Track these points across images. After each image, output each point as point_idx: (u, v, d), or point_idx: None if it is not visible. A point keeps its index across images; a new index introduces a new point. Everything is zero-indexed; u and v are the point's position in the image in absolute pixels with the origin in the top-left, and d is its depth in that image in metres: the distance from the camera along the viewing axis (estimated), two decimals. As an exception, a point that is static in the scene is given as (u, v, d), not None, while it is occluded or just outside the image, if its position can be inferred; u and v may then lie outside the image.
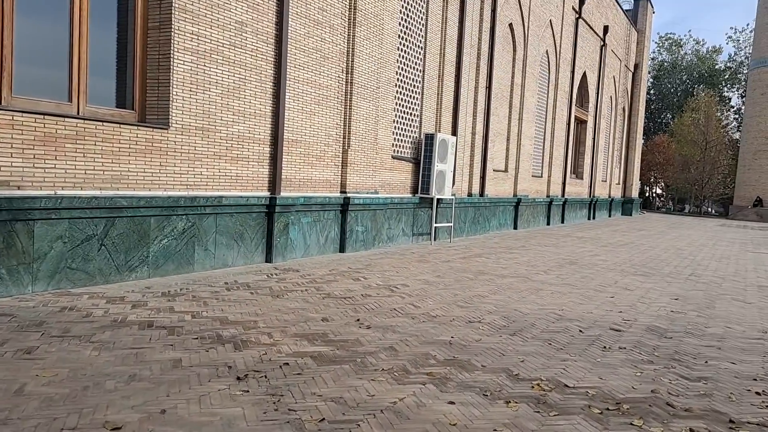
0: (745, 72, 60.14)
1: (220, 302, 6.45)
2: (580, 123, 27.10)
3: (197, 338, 5.07)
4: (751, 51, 49.17)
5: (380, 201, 11.77)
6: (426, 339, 5.53)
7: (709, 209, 54.78)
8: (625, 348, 5.62)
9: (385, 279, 8.56)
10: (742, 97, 60.70)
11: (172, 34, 7.54)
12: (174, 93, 7.61)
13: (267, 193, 9.28)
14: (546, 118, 21.91)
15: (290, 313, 6.22)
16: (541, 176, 21.95)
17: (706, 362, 5.31)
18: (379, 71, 11.61)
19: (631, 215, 35.91)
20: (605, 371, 4.87)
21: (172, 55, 7.54)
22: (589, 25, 25.71)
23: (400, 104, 12.94)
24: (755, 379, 4.88)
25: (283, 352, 4.86)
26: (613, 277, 10.10)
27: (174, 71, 7.59)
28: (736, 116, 61.39)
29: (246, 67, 8.67)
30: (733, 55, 64.35)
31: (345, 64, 10.85)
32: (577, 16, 23.99)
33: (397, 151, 13.01)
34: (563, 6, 22.21)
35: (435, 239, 14.05)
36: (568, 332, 6.11)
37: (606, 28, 28.29)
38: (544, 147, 21.98)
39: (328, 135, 10.58)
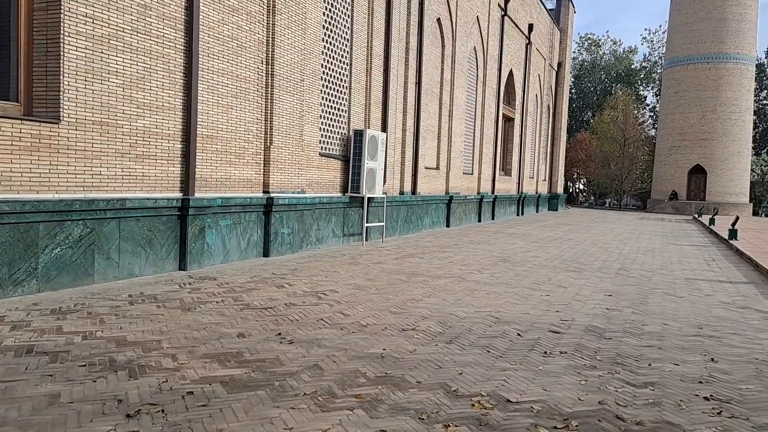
0: (659, 71, 63.11)
1: (120, 319, 5.66)
2: (508, 120, 27.34)
3: (85, 365, 4.32)
4: (664, 51, 51.57)
5: (307, 201, 11.14)
6: (355, 353, 4.98)
7: (628, 203, 57.12)
8: (566, 352, 5.28)
9: (312, 285, 7.95)
10: (657, 95, 63.71)
11: (62, 15, 6.64)
12: (65, 83, 6.72)
13: (179, 195, 8.47)
14: (475, 116, 21.86)
15: (201, 328, 5.52)
16: (472, 173, 21.88)
17: (650, 365, 5.03)
18: (302, 63, 10.97)
19: (557, 210, 36.74)
20: (549, 381, 4.48)
21: (62, 40, 6.64)
22: (514, 23, 25.93)
23: (327, 99, 12.34)
24: (701, 382, 4.62)
25: (188, 378, 4.18)
26: (547, 274, 9.91)
27: (65, 58, 6.69)
28: (652, 114, 64.38)
29: (151, 55, 7.84)
30: (647, 55, 67.48)
31: (265, 54, 10.14)
32: (503, 13, 24.11)
33: (325, 148, 12.40)
34: (489, 3, 22.22)
35: (367, 239, 13.55)
36: (507, 337, 5.72)
37: (531, 27, 28.67)
38: (474, 144, 21.92)
39: (248, 130, 9.85)
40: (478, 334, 5.79)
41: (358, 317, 6.25)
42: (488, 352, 5.19)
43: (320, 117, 12.11)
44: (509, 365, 4.83)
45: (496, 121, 24.27)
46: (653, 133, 57.22)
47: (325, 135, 12.40)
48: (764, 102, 59.02)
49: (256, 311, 6.31)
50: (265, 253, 10.28)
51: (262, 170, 10.24)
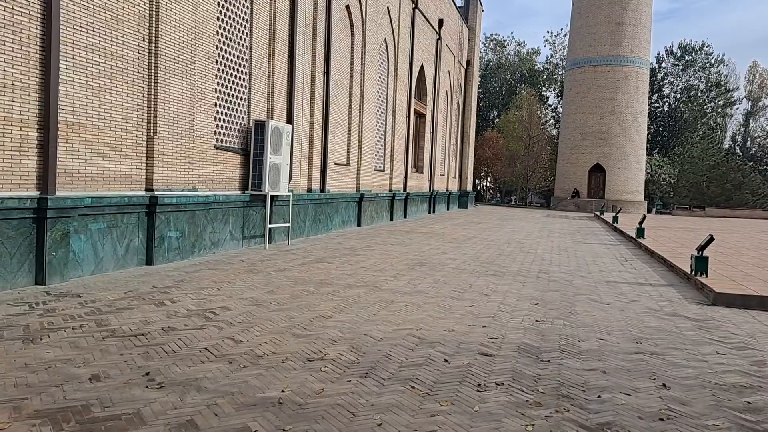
0: (560, 73, 65.44)
1: (-77, 363, 4.23)
2: (420, 116, 26.81)
3: None
4: (566, 53, 53.38)
5: (200, 199, 9.79)
6: (245, 398, 3.88)
7: (533, 201, 58.83)
8: (502, 383, 4.43)
9: (200, 301, 6.71)
10: (558, 96, 66.07)
11: None
12: None
13: (35, 193, 6.95)
14: (387, 110, 21.06)
15: (43, 369, 4.22)
16: (384, 170, 21.08)
17: (599, 396, 4.28)
18: (193, 43, 9.60)
19: (467, 208, 36.84)
20: (488, 427, 3.60)
21: None
22: (425, 17, 25.38)
23: (223, 85, 11.00)
24: (662, 419, 3.90)
25: (-6, 460, 2.93)
26: (467, 280, 9.17)
27: None
28: (554, 114, 66.73)
29: (-9, 18, 6.29)
30: (550, 57, 69.82)
31: (148, 30, 8.71)
32: (414, 6, 23.47)
33: (222, 140, 11.06)
34: (401, -6, 21.48)
35: (270, 242, 12.32)
36: (433, 364, 4.82)
37: (441, 22, 28.29)
38: (385, 140, 21.12)
39: (127, 118, 8.39)
40: (399, 361, 4.85)
41: (252, 344, 5.13)
42: (412, 388, 4.24)
43: (216, 105, 10.75)
44: (440, 407, 3.90)
45: (408, 117, 23.62)
46: (555, 133, 59.22)
47: (222, 126, 11.06)
48: (655, 105, 62.67)
49: (123, 340, 5.03)
50: (149, 261, 8.86)
51: (144, 164, 8.80)
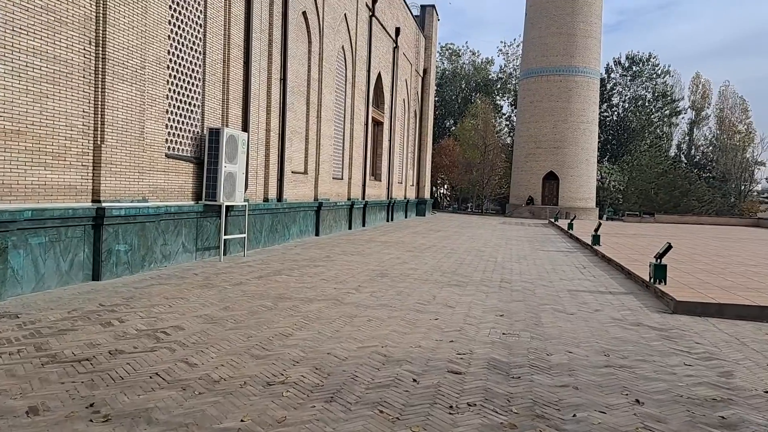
0: (513, 82, 66.56)
1: None
2: (377, 124, 26.69)
3: None
4: (519, 63, 54.33)
5: (150, 211, 9.33)
6: (202, 431, 3.57)
7: (488, 208, 59.46)
8: (475, 404, 4.24)
9: (150, 319, 6.31)
10: (512, 105, 67.18)
11: None
12: None
13: (-33, 206, 6.43)
14: (345, 118, 20.83)
15: (-29, 405, 3.80)
16: (342, 178, 20.82)
17: (575, 415, 4.14)
18: (143, 47, 9.16)
19: (424, 216, 36.90)
20: (464, 455, 3.39)
21: None
22: (382, 25, 25.32)
23: (175, 91, 10.57)
24: (640, 438, 3.79)
25: None
26: (430, 291, 9.00)
27: None
28: (508, 122, 67.76)
29: None
30: (503, 66, 71.05)
31: (94, 33, 8.25)
32: (371, 14, 23.37)
33: (174, 148, 10.62)
34: (357, 1, 21.34)
35: (225, 254, 11.90)
36: (401, 384, 4.59)
37: (398, 30, 28.30)
38: (343, 148, 20.87)
39: (72, 125, 7.91)
40: (366, 382, 4.60)
41: (208, 367, 4.80)
42: (381, 412, 4.01)
43: (167, 112, 10.31)
44: (410, 433, 3.68)
45: (366, 125, 23.45)
46: (510, 141, 60.10)
47: (174, 133, 10.62)
48: (605, 114, 64.36)
49: (65, 366, 4.63)
50: (96, 276, 8.37)
51: (90, 174, 8.32)
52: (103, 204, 8.32)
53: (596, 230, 17.55)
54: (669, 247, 9.45)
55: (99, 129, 8.32)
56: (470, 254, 14.96)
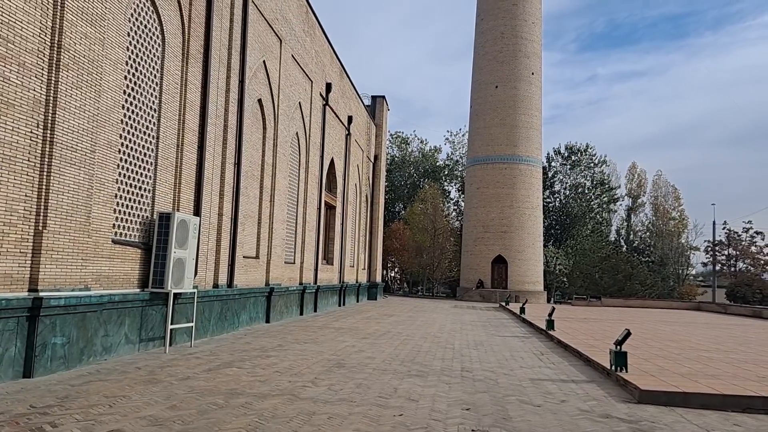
0: (460, 169, 68.68)
1: None
2: (330, 208, 26.71)
3: None
4: (466, 151, 56.32)
5: (93, 300, 8.76)
6: None
7: (438, 291, 59.48)
8: None
9: (88, 423, 5.71)
10: (459, 190, 68.99)
11: None
12: None
13: None
14: (298, 202, 20.76)
15: None
16: (294, 262, 20.45)
17: None
18: (95, 131, 8.92)
19: (376, 299, 36.48)
20: None
21: None
22: (335, 114, 25.92)
23: (126, 175, 10.26)
24: None
25: None
26: (390, 383, 8.62)
27: None
28: (455, 207, 69.30)
29: None
30: (450, 154, 73.32)
31: (43, 116, 7.99)
32: (325, 102, 23.94)
33: (121, 233, 10.17)
34: (311, 91, 21.87)
35: (171, 344, 11.22)
36: (369, 494, 4.20)
37: (350, 119, 29.04)
38: (296, 231, 20.65)
39: (11, 210, 7.47)
40: (331, 494, 4.19)
41: (154, 480, 4.29)
42: None
43: (116, 197, 9.94)
44: None
45: (319, 208, 23.41)
46: (458, 225, 61.18)
47: (122, 218, 10.20)
48: (548, 200, 66.79)
49: (-14, 486, 4.05)
50: (28, 373, 7.65)
51: (29, 262, 7.79)
52: (41, 294, 7.75)
53: (550, 315, 17.60)
54: (628, 334, 9.46)
55: (42, 214, 7.88)
56: (427, 341, 14.64)
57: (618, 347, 9.48)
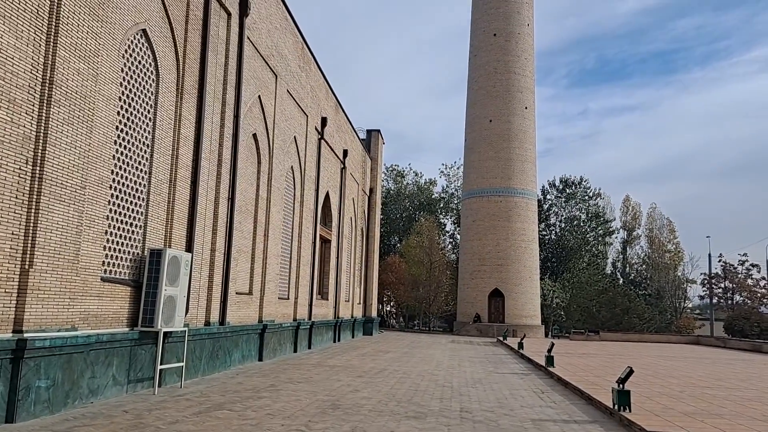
0: (456, 202, 68.78)
1: None
2: (325, 242, 26.52)
3: None
4: (461, 184, 56.48)
5: (80, 340, 8.49)
6: None
7: (435, 325, 58.85)
8: None
9: (69, 474, 5.42)
10: (455, 223, 68.92)
11: None
12: None
13: None
14: (292, 236, 20.59)
15: None
16: (288, 298, 20.15)
17: None
18: (85, 167, 8.78)
19: (372, 335, 36.00)
20: None
21: None
22: (330, 147, 25.96)
23: (116, 211, 10.09)
24: None
25: None
26: (387, 425, 8.32)
27: None
28: (451, 240, 69.17)
29: None
30: (445, 186, 73.54)
31: (32, 152, 7.86)
32: (320, 137, 23.98)
33: (111, 271, 9.95)
34: (307, 125, 21.91)
35: (161, 385, 10.89)
36: None
37: (345, 152, 29.10)
38: (290, 267, 20.40)
39: (-3, 248, 7.27)
40: None
41: None
42: None
43: (107, 233, 9.76)
44: None
45: (314, 243, 23.22)
46: (454, 258, 60.93)
47: (112, 255, 10.00)
48: (543, 233, 66.76)
49: None
50: (10, 418, 7.35)
51: (14, 302, 7.56)
52: (26, 335, 7.49)
53: (549, 351, 17.31)
54: (630, 372, 9.22)
55: (29, 252, 7.68)
56: (424, 379, 14.31)
57: (621, 385, 9.23)
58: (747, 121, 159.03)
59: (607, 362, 19.90)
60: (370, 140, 39.33)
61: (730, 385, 14.00)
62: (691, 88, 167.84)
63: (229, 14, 14.27)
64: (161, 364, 10.73)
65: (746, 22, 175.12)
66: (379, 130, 40.02)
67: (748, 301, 58.19)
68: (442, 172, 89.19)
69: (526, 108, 47.79)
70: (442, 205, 71.30)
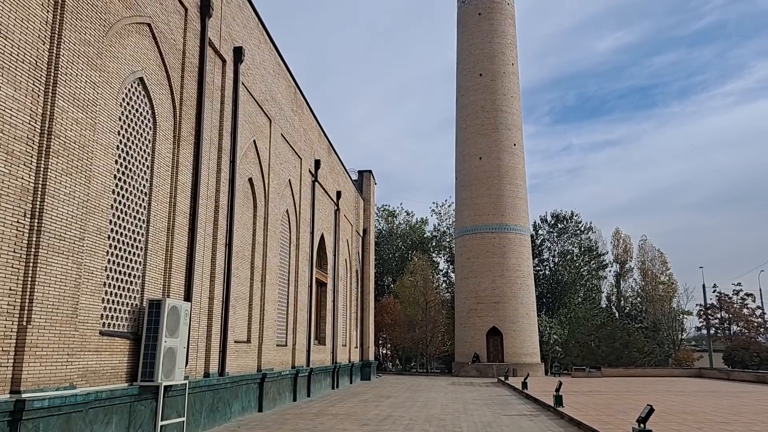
0: (448, 240, 68.67)
1: None
2: (321, 285, 26.17)
3: None
4: (453, 221, 56.48)
5: (79, 399, 8.11)
6: None
7: (433, 367, 57.88)
8: None
9: None
10: (448, 261, 68.60)
11: None
12: None
13: None
14: (289, 280, 20.26)
15: None
16: (286, 345, 19.70)
17: None
18: (84, 218, 8.57)
19: (370, 379, 35.29)
20: None
21: None
22: (324, 189, 25.89)
23: (115, 262, 9.83)
24: None
25: None
26: (402, 478, 7.94)
27: None
28: (445, 279, 68.71)
29: None
30: (437, 225, 73.54)
31: (31, 204, 7.65)
32: (314, 179, 23.93)
33: (109, 324, 9.62)
34: (301, 168, 21.87)
35: (161, 442, 10.42)
36: None
37: (339, 194, 29.03)
38: (288, 312, 20.02)
39: (-7, 305, 6.97)
40: None
41: None
42: None
43: (105, 285, 9.47)
44: None
45: (310, 286, 22.89)
46: (449, 297, 60.42)
47: (110, 308, 9.69)
48: (538, 268, 66.53)
49: None
50: (4, 486, 6.92)
51: (11, 361, 7.23)
52: (24, 395, 7.13)
53: (557, 390, 16.92)
54: (651, 411, 8.94)
55: (26, 308, 7.39)
56: (432, 425, 13.86)
57: (642, 425, 8.93)
58: (731, 151, 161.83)
59: (616, 400, 19.50)
60: (362, 181, 39.37)
61: (747, 420, 13.68)
62: (672, 121, 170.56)
63: (224, 61, 14.32)
64: (162, 419, 10.31)
65: (719, 56, 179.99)
66: (370, 171, 40.13)
67: (746, 331, 57.90)
68: (433, 210, 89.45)
69: (514, 145, 48.24)
70: (434, 244, 71.10)
